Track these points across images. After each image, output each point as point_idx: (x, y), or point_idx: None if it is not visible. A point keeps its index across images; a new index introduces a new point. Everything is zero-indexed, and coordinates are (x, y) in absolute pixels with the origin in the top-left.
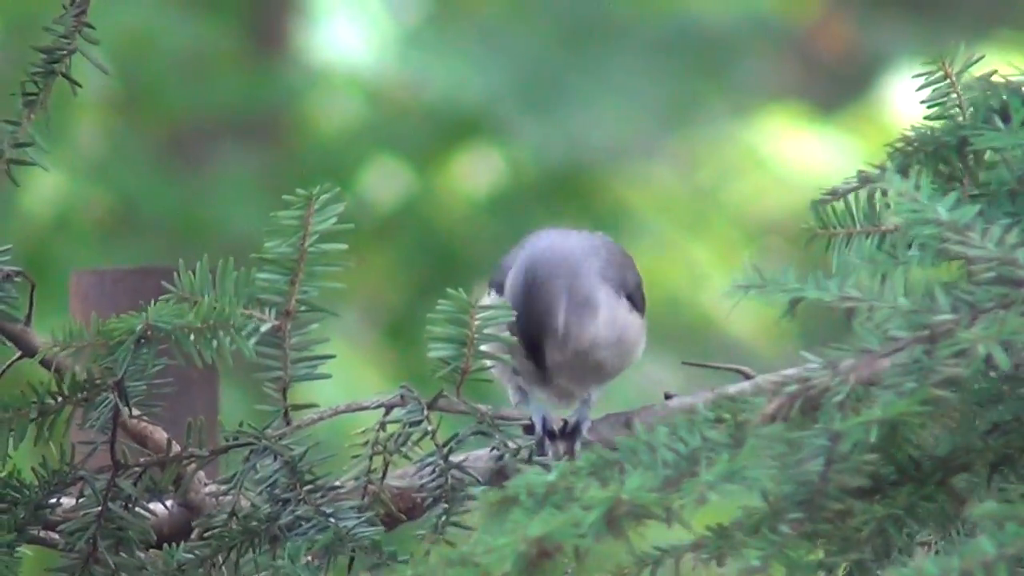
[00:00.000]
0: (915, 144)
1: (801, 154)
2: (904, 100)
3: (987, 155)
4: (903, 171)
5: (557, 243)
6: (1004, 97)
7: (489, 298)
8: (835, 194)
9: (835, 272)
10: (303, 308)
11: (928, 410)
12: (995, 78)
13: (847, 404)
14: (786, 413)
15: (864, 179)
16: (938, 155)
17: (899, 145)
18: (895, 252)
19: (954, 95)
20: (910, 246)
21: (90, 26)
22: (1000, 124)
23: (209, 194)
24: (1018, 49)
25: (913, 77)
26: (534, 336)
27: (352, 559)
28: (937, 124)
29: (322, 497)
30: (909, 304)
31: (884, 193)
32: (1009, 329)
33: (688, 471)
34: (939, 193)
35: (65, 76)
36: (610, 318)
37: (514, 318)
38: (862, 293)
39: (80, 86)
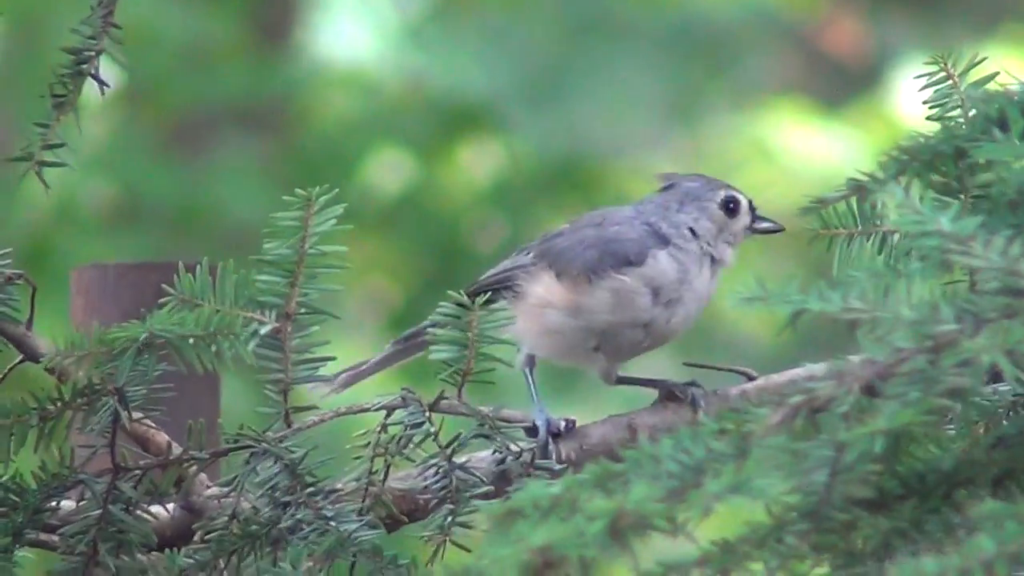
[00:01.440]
0: (911, 153)
1: (807, 147)
2: (910, 96)
3: (985, 165)
4: (898, 179)
5: None
6: (1002, 107)
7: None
8: (824, 202)
9: (836, 276)
10: (303, 310)
11: (933, 420)
12: (993, 86)
13: (851, 414)
14: (791, 423)
15: (855, 187)
16: (934, 164)
17: (894, 154)
18: (897, 263)
19: (956, 96)
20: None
21: (117, 26)
22: (999, 134)
23: (212, 184)
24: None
25: (916, 78)
26: None
27: (353, 563)
28: (934, 130)
29: (323, 500)
30: (913, 315)
31: (881, 202)
32: (1014, 339)
33: (693, 482)
34: (939, 204)
35: (94, 77)
36: None
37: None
38: (865, 304)
39: (109, 86)
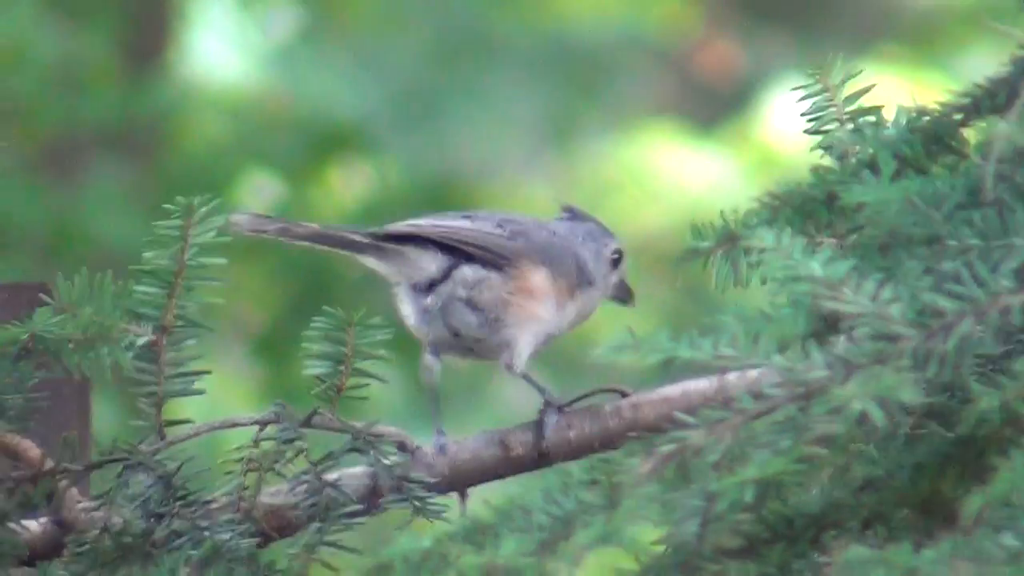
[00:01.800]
0: (783, 199)
1: (680, 170)
2: (782, 117)
3: (857, 209)
4: (770, 225)
5: None
6: (873, 150)
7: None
8: (697, 252)
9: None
10: (180, 323)
11: (803, 468)
12: (865, 119)
13: (722, 463)
14: (661, 473)
15: (727, 236)
16: (805, 209)
17: (765, 199)
18: (769, 310)
19: (833, 110)
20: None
21: None
22: (869, 178)
23: (81, 207)
24: (896, 62)
25: (792, 90)
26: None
27: (230, 571)
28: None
29: (196, 512)
30: (783, 362)
31: (751, 251)
32: (884, 385)
33: (563, 534)
34: (809, 249)
35: None
36: None
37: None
38: (736, 351)
39: None
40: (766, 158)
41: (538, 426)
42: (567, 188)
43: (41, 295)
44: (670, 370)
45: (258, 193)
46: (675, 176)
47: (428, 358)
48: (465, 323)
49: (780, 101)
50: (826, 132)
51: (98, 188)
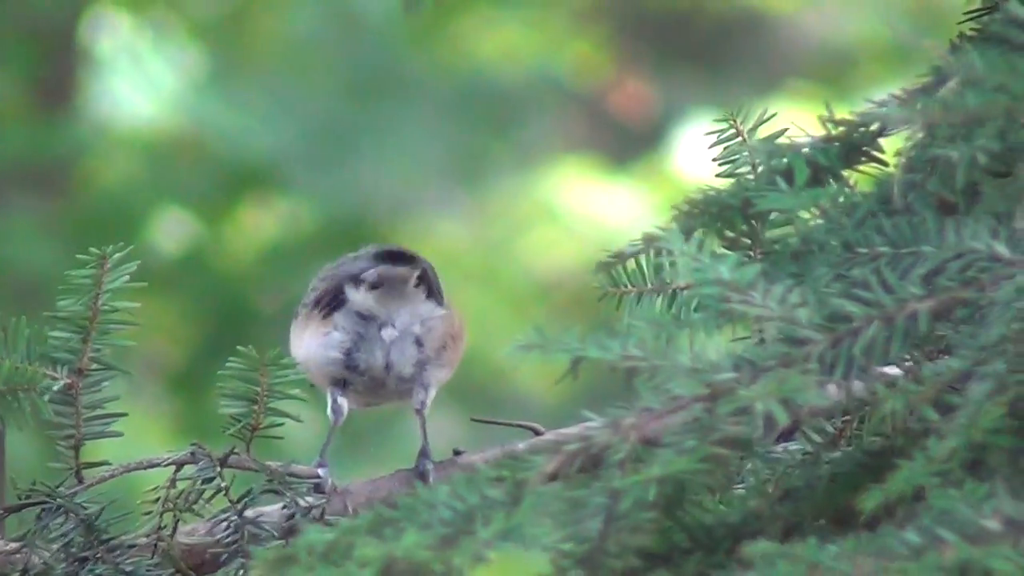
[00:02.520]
0: (700, 206)
1: (592, 206)
2: (692, 155)
3: (772, 216)
4: (688, 233)
5: None
6: (787, 159)
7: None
8: (620, 256)
9: (620, 332)
10: (95, 366)
11: (708, 468)
12: (780, 140)
13: (627, 462)
14: (566, 471)
15: (649, 241)
16: (722, 217)
17: (684, 207)
18: (680, 313)
19: (746, 153)
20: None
21: None
22: (784, 185)
23: None
24: (807, 99)
25: (706, 135)
26: None
27: None
28: (722, 184)
29: (121, 555)
30: (690, 363)
31: (669, 253)
32: (789, 387)
33: (466, 529)
34: (719, 254)
35: None
36: None
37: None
38: (644, 353)
39: None
40: (677, 195)
41: (422, 476)
42: (479, 227)
43: None
44: (577, 372)
45: (171, 230)
46: (588, 212)
47: (340, 399)
48: (405, 358)
49: (691, 138)
50: (738, 175)
51: (13, 220)
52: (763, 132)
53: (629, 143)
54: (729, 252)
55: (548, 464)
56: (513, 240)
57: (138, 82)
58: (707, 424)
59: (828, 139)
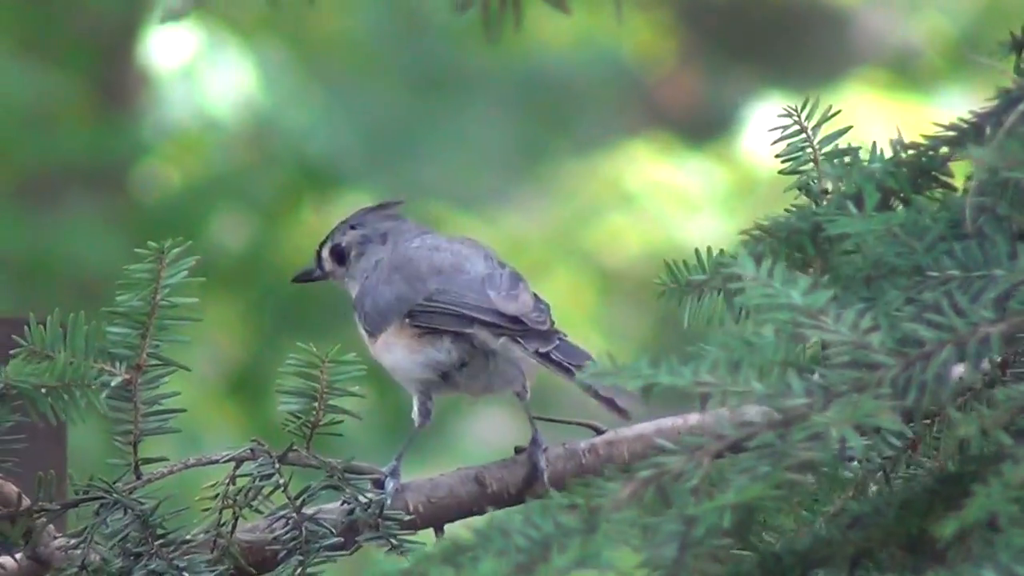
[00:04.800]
0: (768, 230)
1: (659, 187)
2: (758, 144)
3: (842, 241)
4: (757, 257)
5: None
6: (857, 182)
7: None
8: (691, 284)
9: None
10: (154, 362)
11: (782, 494)
12: (843, 140)
13: (701, 489)
14: (640, 497)
15: (718, 268)
16: (791, 241)
17: (753, 231)
18: (749, 337)
19: (809, 150)
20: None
21: None
22: (853, 210)
23: (59, 236)
24: (876, 86)
25: (769, 131)
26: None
27: None
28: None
29: (174, 551)
30: (763, 388)
31: (739, 279)
32: (862, 412)
33: (541, 557)
34: (791, 278)
35: None
36: None
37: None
38: (716, 378)
39: None
40: (746, 179)
41: (535, 468)
42: (544, 216)
43: (15, 337)
44: (650, 397)
45: (232, 228)
46: (655, 193)
47: (428, 404)
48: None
49: (756, 129)
50: (802, 172)
51: (75, 217)
52: (827, 129)
53: (693, 129)
54: (800, 276)
55: (622, 491)
56: (578, 229)
57: (199, 82)
58: (781, 450)
59: (898, 162)
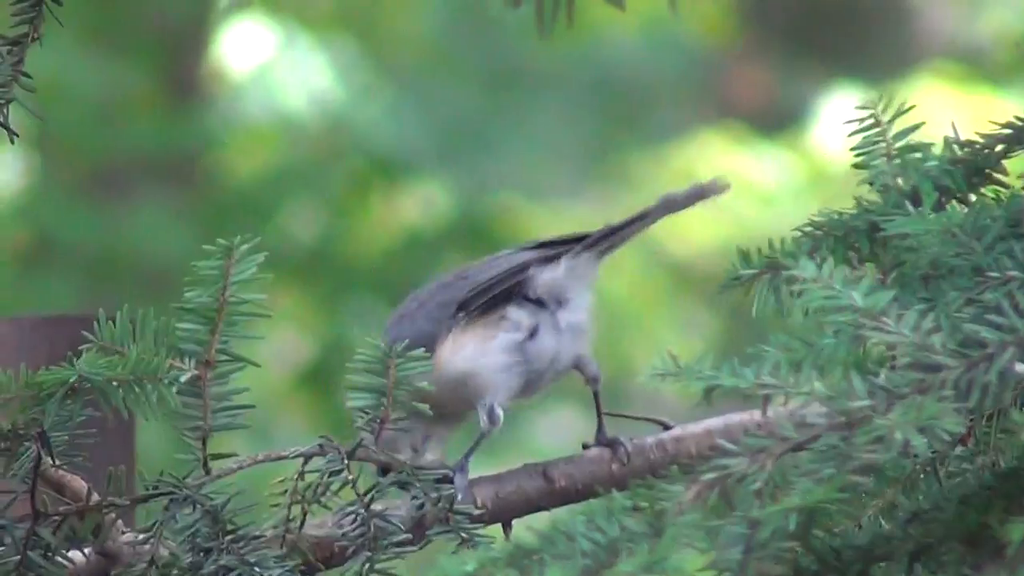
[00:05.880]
0: (824, 228)
1: (733, 180)
2: (830, 136)
3: (899, 240)
4: (812, 255)
5: None
6: (915, 181)
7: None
8: (740, 279)
9: (754, 357)
10: (223, 358)
11: (846, 496)
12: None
13: (765, 491)
14: (704, 500)
15: (770, 265)
16: (847, 240)
17: (808, 229)
18: (811, 339)
19: (883, 144)
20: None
21: (27, 75)
22: (911, 209)
23: (129, 228)
24: (948, 77)
25: (845, 123)
26: None
27: None
28: (848, 208)
29: (245, 547)
30: (825, 390)
31: (795, 280)
32: (927, 414)
33: (607, 562)
34: (851, 279)
35: (3, 126)
36: None
37: None
38: (778, 380)
39: (18, 135)
40: (817, 172)
41: (614, 446)
42: (613, 210)
43: (84, 332)
44: (712, 398)
45: (303, 222)
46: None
47: (498, 410)
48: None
49: (827, 122)
50: (873, 166)
51: (145, 209)
52: (900, 124)
53: (763, 122)
54: (859, 277)
55: (686, 493)
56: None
57: (274, 77)
58: (844, 453)
59: (954, 160)
